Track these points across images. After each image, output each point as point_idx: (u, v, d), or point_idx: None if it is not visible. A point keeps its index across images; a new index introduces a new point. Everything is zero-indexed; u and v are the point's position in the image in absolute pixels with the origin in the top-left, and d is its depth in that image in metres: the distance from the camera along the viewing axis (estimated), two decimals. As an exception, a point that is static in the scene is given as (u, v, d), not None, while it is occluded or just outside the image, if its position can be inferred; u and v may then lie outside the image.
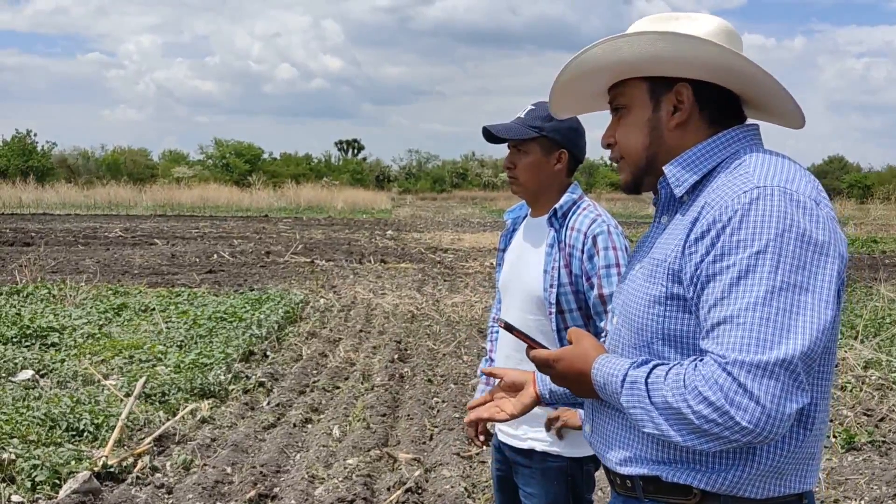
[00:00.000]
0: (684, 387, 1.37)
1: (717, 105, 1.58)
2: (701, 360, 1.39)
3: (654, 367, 1.45)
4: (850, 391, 6.32)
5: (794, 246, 1.36)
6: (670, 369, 1.42)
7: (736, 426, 1.32)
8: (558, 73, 1.67)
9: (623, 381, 1.47)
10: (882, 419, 5.66)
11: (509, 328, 1.79)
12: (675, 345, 1.50)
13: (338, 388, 6.47)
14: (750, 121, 1.64)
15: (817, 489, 4.43)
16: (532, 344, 1.74)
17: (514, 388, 1.90)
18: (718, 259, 1.40)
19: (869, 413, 5.78)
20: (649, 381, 1.43)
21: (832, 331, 1.45)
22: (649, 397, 1.42)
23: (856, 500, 4.38)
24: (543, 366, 1.66)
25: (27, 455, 4.32)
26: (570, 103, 1.81)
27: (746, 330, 1.33)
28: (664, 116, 1.59)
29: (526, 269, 2.45)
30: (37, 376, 6.16)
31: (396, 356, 7.44)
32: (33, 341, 7.24)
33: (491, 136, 2.48)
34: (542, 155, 2.44)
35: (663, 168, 1.57)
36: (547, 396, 1.86)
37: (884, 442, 5.25)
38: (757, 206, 1.39)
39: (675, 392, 1.38)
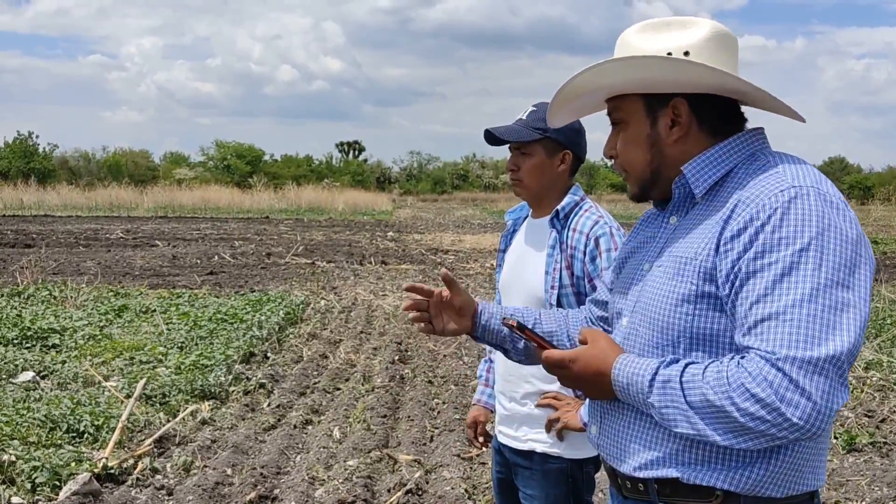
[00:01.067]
0: (728, 384, 1.35)
1: (716, 115, 1.58)
2: (742, 357, 1.37)
3: (688, 365, 1.43)
4: (851, 392, 6.31)
5: (834, 244, 1.38)
6: (707, 367, 1.40)
7: (786, 422, 1.32)
8: (552, 98, 1.69)
9: (652, 380, 1.45)
10: (883, 420, 5.66)
11: (521, 328, 1.70)
12: (703, 344, 1.48)
13: (338, 389, 6.47)
14: (752, 123, 1.64)
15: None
16: (544, 344, 1.67)
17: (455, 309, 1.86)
18: (759, 256, 1.39)
19: (870, 414, 5.78)
20: (684, 379, 1.41)
21: None
22: (684, 396, 1.40)
23: (857, 501, 4.37)
24: (556, 367, 1.60)
25: (27, 456, 4.31)
26: (569, 115, 1.82)
27: (794, 326, 1.33)
28: (663, 132, 1.59)
29: (527, 271, 2.45)
30: (37, 378, 6.16)
31: (397, 357, 7.44)
32: (34, 343, 7.24)
33: (493, 138, 2.47)
34: (546, 156, 2.43)
35: (682, 168, 1.57)
36: (479, 331, 1.87)
37: (885, 443, 5.24)
38: (796, 205, 1.40)
39: (718, 390, 1.36)
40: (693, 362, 1.44)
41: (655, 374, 1.45)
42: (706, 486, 1.47)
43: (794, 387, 1.31)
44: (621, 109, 1.63)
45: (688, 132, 1.58)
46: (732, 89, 1.55)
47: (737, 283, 1.42)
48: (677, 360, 1.46)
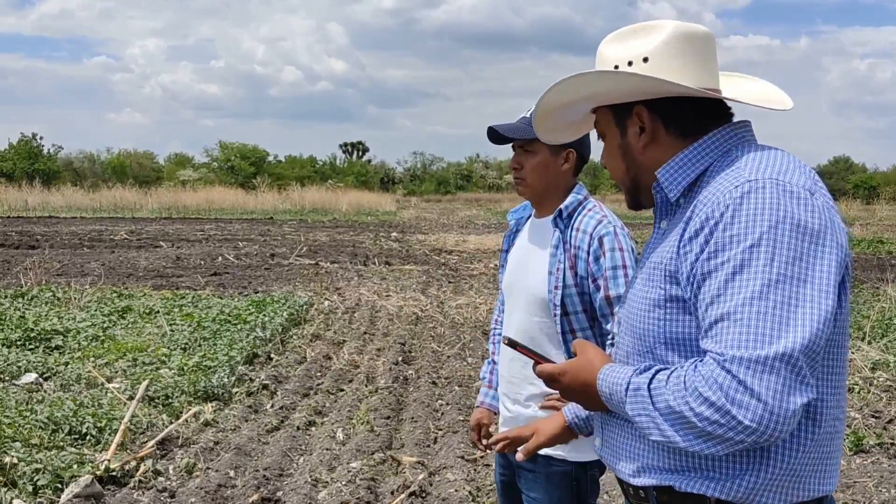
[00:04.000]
0: (685, 389, 1.34)
1: (683, 116, 1.55)
2: (701, 361, 1.36)
3: (657, 372, 1.42)
4: (858, 393, 6.26)
5: (788, 237, 1.33)
6: (672, 373, 1.39)
7: (739, 425, 1.29)
8: (533, 121, 1.76)
9: (627, 389, 1.44)
10: (890, 421, 5.61)
11: (513, 344, 1.76)
12: (678, 348, 1.47)
13: (342, 390, 6.45)
14: (741, 117, 1.61)
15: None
16: (537, 359, 1.70)
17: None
18: (713, 256, 1.37)
19: (877, 415, 5.74)
20: (652, 386, 1.40)
21: (840, 323, 1.42)
22: (653, 403, 1.39)
23: (864, 503, 4.33)
24: (549, 381, 1.64)
25: (29, 459, 4.29)
26: (559, 134, 1.86)
27: (744, 325, 1.30)
28: (632, 140, 1.59)
29: (530, 271, 2.42)
30: (40, 379, 6.14)
31: (401, 358, 7.42)
32: (37, 344, 7.23)
33: (496, 136, 2.44)
34: (550, 155, 2.41)
35: (656, 173, 1.56)
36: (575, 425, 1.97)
37: (892, 444, 5.20)
38: (748, 200, 1.37)
39: (677, 395, 1.35)
40: (663, 368, 1.43)
41: (629, 382, 1.45)
42: (699, 494, 1.45)
43: (742, 388, 1.28)
44: (599, 122, 1.67)
45: (655, 138, 1.57)
46: (676, 92, 1.53)
47: (695, 286, 1.40)
48: (650, 367, 1.45)
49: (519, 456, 2.05)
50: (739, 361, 1.29)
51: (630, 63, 1.55)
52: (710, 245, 1.38)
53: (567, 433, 2.03)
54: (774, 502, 1.43)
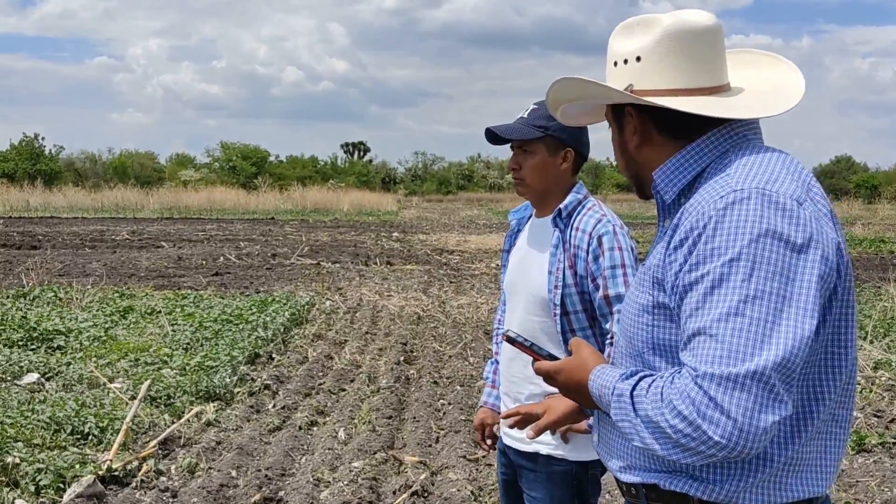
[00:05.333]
0: (661, 400, 1.35)
1: (674, 119, 1.52)
2: (678, 373, 1.36)
3: (640, 379, 1.42)
4: (860, 392, 6.26)
5: (769, 251, 1.31)
6: (653, 382, 1.39)
7: (709, 441, 1.29)
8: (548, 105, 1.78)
9: (612, 393, 1.45)
10: (892, 420, 5.61)
11: (511, 340, 1.77)
12: (665, 354, 1.47)
13: (343, 390, 6.45)
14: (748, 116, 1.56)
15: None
16: (534, 355, 1.72)
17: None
18: (694, 268, 1.36)
19: (879, 414, 5.73)
20: (634, 394, 1.41)
21: (831, 335, 1.40)
22: (634, 410, 1.40)
23: (867, 502, 4.33)
24: (546, 378, 1.65)
25: (31, 459, 4.30)
26: (581, 120, 1.86)
27: (718, 342, 1.30)
28: (628, 138, 1.60)
29: (531, 271, 2.42)
30: (42, 379, 6.15)
31: (402, 358, 7.42)
32: (39, 344, 7.24)
33: (494, 137, 2.44)
34: (549, 154, 2.41)
35: (653, 175, 1.55)
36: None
37: (895, 444, 5.20)
38: (732, 212, 1.35)
39: (654, 405, 1.36)
40: (647, 375, 1.43)
41: (614, 388, 1.45)
42: (682, 493, 1.46)
43: (713, 405, 1.28)
44: (607, 115, 1.67)
45: (647, 139, 1.56)
46: (643, 103, 1.52)
47: (678, 296, 1.40)
48: (634, 374, 1.45)
49: (529, 433, 2.05)
50: (711, 378, 1.29)
51: (626, 61, 1.55)
52: (692, 257, 1.37)
53: (578, 413, 2.02)
54: (755, 503, 1.43)
